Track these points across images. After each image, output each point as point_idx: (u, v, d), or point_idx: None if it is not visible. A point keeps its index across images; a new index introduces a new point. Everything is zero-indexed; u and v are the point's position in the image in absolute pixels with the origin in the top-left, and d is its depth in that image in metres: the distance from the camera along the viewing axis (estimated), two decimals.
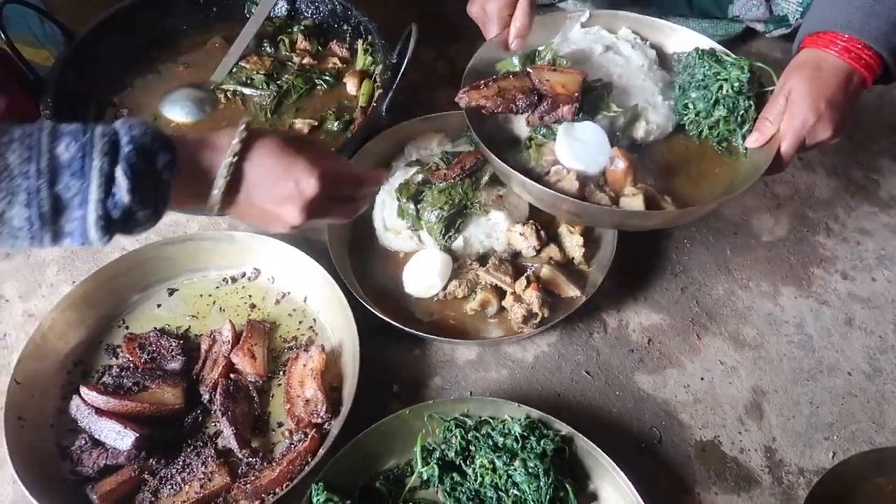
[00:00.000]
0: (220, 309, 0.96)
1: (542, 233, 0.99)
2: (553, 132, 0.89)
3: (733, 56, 0.93)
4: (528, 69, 0.90)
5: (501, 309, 0.95)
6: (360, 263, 1.00)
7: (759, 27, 1.32)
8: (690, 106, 0.93)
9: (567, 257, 1.00)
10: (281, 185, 0.66)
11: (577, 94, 0.86)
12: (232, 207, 0.66)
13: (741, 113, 0.90)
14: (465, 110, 0.87)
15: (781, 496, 0.82)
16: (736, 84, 0.90)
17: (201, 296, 0.96)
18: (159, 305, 0.96)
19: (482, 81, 0.88)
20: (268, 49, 1.14)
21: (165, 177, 0.59)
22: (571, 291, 0.96)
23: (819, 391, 0.91)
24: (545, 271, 0.96)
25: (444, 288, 0.95)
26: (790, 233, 1.07)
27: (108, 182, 0.56)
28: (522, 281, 0.94)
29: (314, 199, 0.67)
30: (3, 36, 0.96)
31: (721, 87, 0.91)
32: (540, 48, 0.97)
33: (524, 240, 0.98)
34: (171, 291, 0.97)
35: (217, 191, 0.63)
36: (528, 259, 0.99)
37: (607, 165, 0.86)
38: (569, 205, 0.83)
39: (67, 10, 1.14)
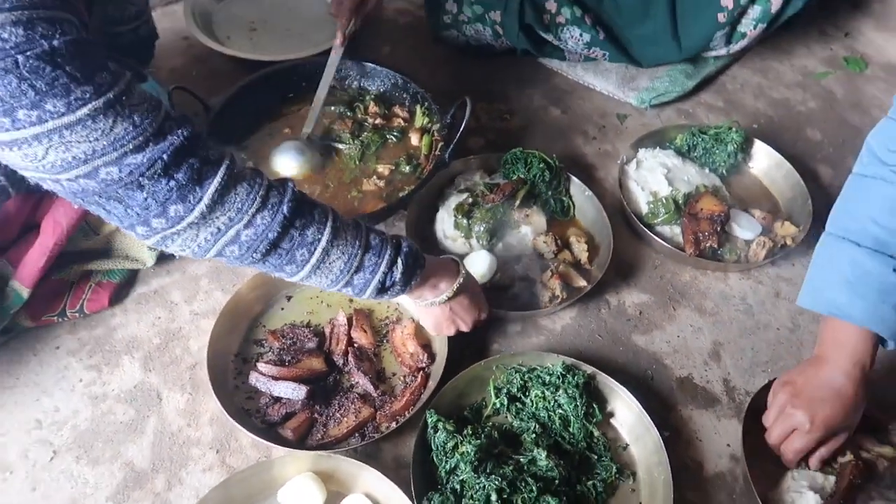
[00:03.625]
0: (327, 305, 1.31)
1: (558, 241, 1.39)
2: None
3: None
4: None
5: (531, 295, 1.34)
6: None
7: (722, 51, 1.76)
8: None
9: (576, 259, 1.39)
10: (468, 312, 1.16)
11: None
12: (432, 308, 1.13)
13: None
14: None
15: (735, 409, 1.22)
16: None
17: (311, 298, 1.32)
18: (283, 308, 1.31)
19: None
20: (347, 113, 1.53)
21: (418, 273, 1.03)
22: (580, 282, 1.34)
23: (758, 341, 1.32)
24: (561, 268, 1.35)
25: (491, 278, 1.34)
26: None
27: (391, 265, 0.98)
28: (548, 273, 1.33)
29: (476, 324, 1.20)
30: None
31: None
32: None
33: (546, 245, 1.38)
34: (289, 297, 1.32)
35: (439, 300, 1.10)
36: (549, 259, 1.39)
37: None
38: None
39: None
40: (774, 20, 1.65)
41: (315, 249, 0.92)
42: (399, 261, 0.99)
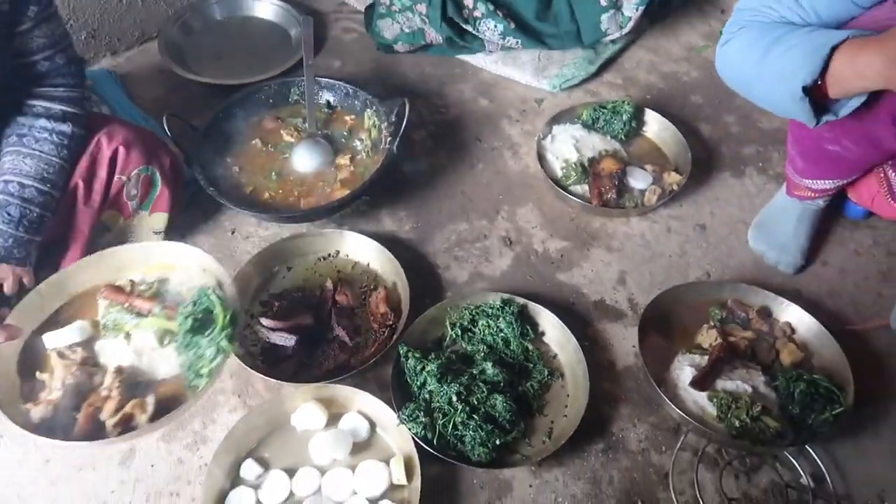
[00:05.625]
0: (319, 275, 1.64)
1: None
2: None
3: None
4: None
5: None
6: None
7: (616, 34, 2.09)
8: None
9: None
10: None
11: None
12: None
13: None
14: None
15: (638, 319, 1.56)
16: None
17: (307, 269, 1.65)
18: (283, 277, 1.64)
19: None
20: (299, 124, 1.84)
21: None
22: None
23: (654, 267, 1.67)
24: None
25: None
26: None
27: None
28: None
29: None
30: (169, 134, 1.64)
31: None
32: None
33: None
34: (289, 268, 1.65)
35: None
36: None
37: None
38: None
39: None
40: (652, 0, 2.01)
41: None
42: None
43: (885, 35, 1.07)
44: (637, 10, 2.03)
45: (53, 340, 1.36)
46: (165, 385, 1.33)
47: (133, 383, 1.31)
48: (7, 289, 1.37)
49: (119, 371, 1.31)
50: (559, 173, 1.81)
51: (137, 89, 2.08)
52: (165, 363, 1.33)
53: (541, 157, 1.84)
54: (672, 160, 1.88)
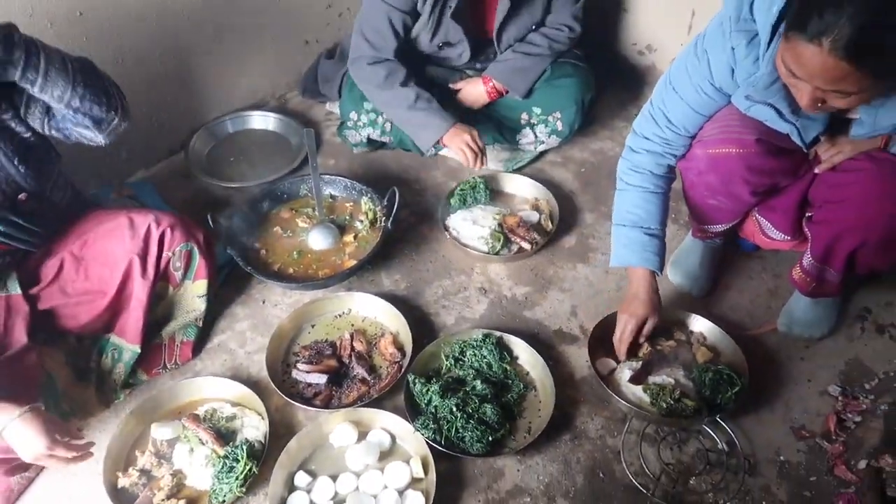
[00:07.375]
0: (337, 328, 2.08)
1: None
2: None
3: None
4: None
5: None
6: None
7: (531, 147, 2.61)
8: None
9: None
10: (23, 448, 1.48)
11: None
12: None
13: None
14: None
15: (587, 341, 2.03)
16: None
17: (327, 325, 2.08)
18: (309, 332, 2.07)
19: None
20: (309, 212, 2.32)
21: None
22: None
23: (597, 300, 2.15)
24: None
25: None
26: (578, 241, 2.35)
27: None
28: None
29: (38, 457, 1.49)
30: (212, 226, 2.09)
31: None
32: None
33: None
34: (313, 325, 2.08)
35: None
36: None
37: None
38: None
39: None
40: (569, 133, 2.50)
41: None
42: None
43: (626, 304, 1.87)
44: (549, 137, 2.51)
45: (156, 431, 1.80)
46: (199, 493, 1.73)
47: (180, 484, 1.73)
48: None
49: (174, 474, 1.74)
50: (486, 248, 2.25)
51: (168, 193, 2.52)
52: (203, 479, 1.73)
53: (465, 245, 2.23)
54: (531, 198, 2.45)
